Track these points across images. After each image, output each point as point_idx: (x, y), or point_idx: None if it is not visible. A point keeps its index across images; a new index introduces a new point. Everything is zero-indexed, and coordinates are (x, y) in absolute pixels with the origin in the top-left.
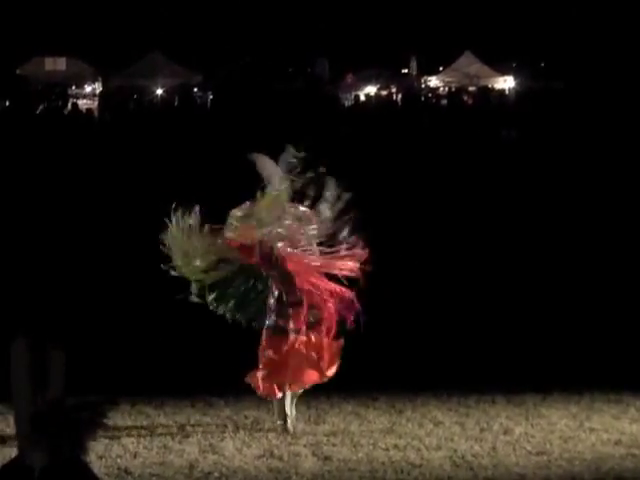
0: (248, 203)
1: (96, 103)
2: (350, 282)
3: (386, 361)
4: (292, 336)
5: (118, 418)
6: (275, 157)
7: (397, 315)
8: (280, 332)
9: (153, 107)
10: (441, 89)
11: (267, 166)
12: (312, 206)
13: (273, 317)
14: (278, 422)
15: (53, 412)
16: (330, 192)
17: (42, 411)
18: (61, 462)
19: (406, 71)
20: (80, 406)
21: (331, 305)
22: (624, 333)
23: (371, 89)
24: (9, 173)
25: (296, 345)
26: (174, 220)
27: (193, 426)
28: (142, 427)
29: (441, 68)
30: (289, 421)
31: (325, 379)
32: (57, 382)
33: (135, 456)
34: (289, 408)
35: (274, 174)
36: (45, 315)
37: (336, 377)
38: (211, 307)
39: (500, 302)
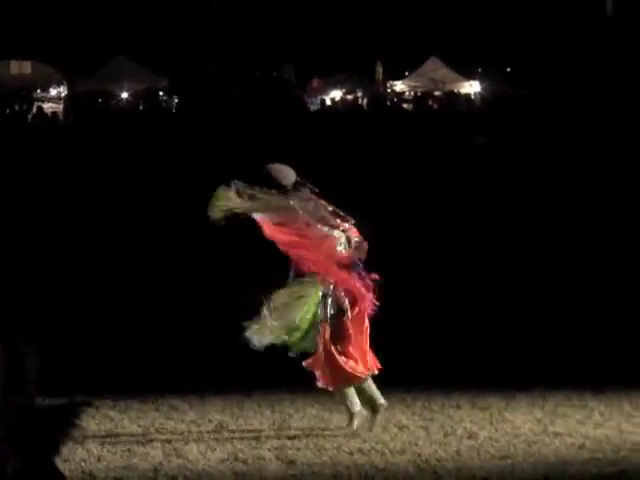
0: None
1: (61, 107)
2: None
3: None
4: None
5: (82, 421)
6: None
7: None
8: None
9: (119, 111)
10: (407, 94)
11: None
12: None
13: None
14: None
15: (25, 414)
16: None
17: (15, 413)
18: (33, 463)
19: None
20: (52, 408)
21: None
22: (589, 339)
23: (337, 93)
24: None
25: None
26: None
27: (157, 430)
28: (106, 431)
29: (407, 73)
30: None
31: None
32: (30, 384)
33: (99, 460)
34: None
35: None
36: (18, 318)
37: (300, 381)
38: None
39: (464, 309)
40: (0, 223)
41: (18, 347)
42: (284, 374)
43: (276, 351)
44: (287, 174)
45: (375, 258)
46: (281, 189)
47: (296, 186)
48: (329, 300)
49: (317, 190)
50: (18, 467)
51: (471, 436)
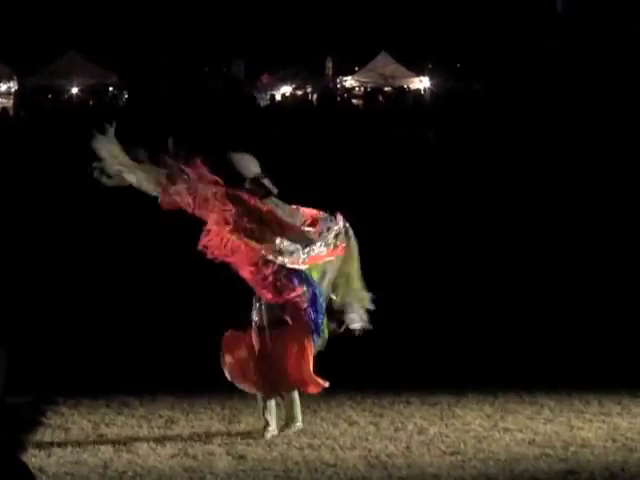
0: None
1: (11, 102)
2: None
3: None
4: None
5: (38, 417)
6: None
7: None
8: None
9: (68, 106)
10: (357, 89)
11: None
12: None
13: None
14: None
15: None
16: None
17: None
18: (2, 460)
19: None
20: (19, 405)
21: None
22: (541, 337)
23: (287, 89)
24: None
25: None
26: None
27: (107, 425)
28: (57, 426)
29: (357, 68)
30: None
31: None
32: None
33: (49, 455)
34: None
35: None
36: None
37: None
38: None
39: (415, 306)
40: None
41: None
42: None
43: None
44: (248, 165)
45: None
46: (240, 180)
47: (256, 180)
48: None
49: (275, 189)
50: None
51: (421, 432)
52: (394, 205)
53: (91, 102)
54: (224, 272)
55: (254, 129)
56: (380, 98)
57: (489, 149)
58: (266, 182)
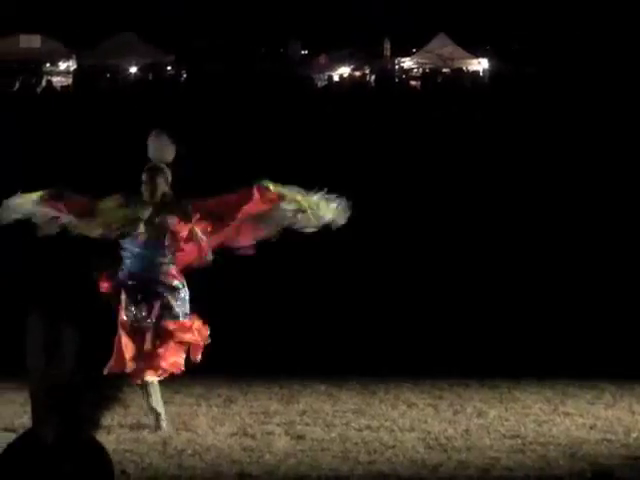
0: None
1: (70, 80)
2: None
3: (358, 343)
4: None
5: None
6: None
7: (373, 299)
8: None
9: (128, 85)
10: (415, 71)
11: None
12: None
13: None
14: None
15: (65, 387)
16: None
17: (54, 386)
18: (72, 436)
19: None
20: (91, 382)
21: None
22: (600, 320)
23: (345, 70)
24: None
25: None
26: None
27: (166, 403)
28: (116, 404)
29: (414, 50)
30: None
31: None
32: (70, 357)
33: (109, 432)
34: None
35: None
36: (59, 291)
37: (309, 358)
38: None
39: (476, 289)
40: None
41: (56, 318)
42: (292, 351)
43: (284, 329)
44: (160, 150)
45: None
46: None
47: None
48: None
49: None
50: (57, 438)
51: (480, 414)
52: (441, 187)
53: (150, 78)
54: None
55: (310, 110)
56: (439, 80)
57: (540, 133)
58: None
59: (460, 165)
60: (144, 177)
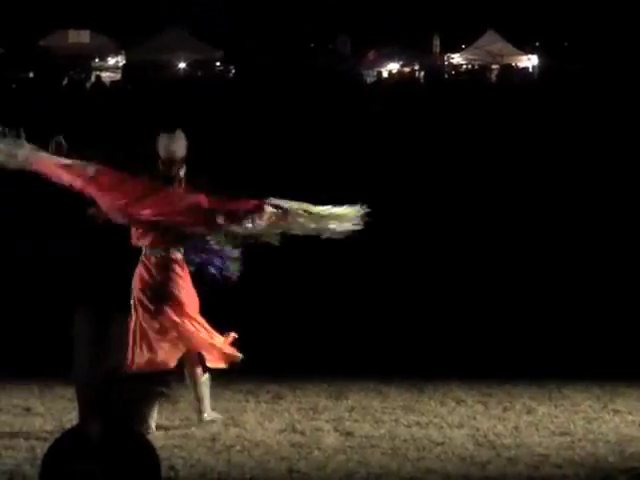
0: None
1: (119, 76)
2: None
3: (407, 340)
4: None
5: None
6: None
7: (418, 296)
8: None
9: (176, 80)
10: (464, 67)
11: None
12: None
13: None
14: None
15: (112, 381)
16: None
17: (101, 381)
18: (119, 431)
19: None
20: (139, 376)
21: None
22: None
23: (394, 66)
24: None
25: None
26: None
27: (215, 399)
28: (165, 399)
29: (463, 46)
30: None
31: None
32: (117, 352)
33: (157, 428)
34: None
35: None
36: (107, 285)
37: (358, 355)
38: None
39: (520, 287)
40: None
41: (103, 314)
42: (340, 348)
43: (334, 326)
44: (168, 145)
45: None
46: (158, 162)
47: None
48: None
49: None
50: (103, 435)
51: (530, 411)
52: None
53: (199, 74)
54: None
55: (359, 106)
56: (489, 76)
57: (590, 130)
58: (175, 168)
59: (513, 162)
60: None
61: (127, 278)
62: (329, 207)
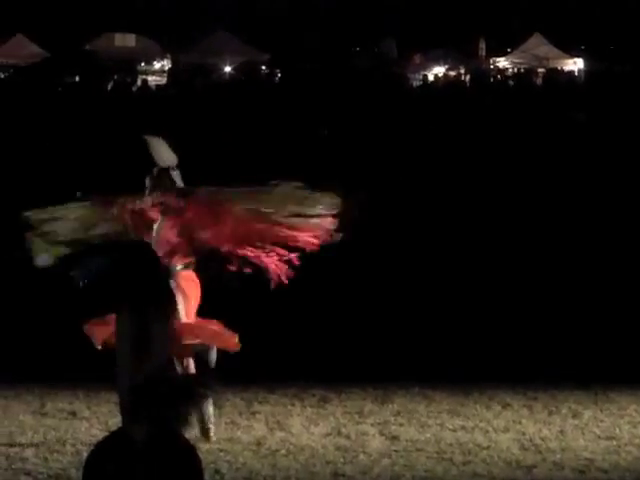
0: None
1: (165, 80)
2: None
3: (453, 344)
4: None
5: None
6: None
7: (458, 300)
8: None
9: (222, 84)
10: (509, 70)
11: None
12: None
13: None
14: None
15: (155, 384)
16: None
17: (144, 383)
18: (163, 435)
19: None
20: (182, 378)
21: None
22: None
23: (439, 70)
24: (86, 148)
25: None
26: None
27: (260, 403)
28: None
29: (509, 49)
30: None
31: None
32: (159, 354)
33: None
34: None
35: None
36: (147, 288)
37: (403, 359)
38: None
39: (563, 288)
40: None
41: (145, 315)
42: (386, 352)
43: (379, 330)
44: (162, 153)
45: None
46: (150, 170)
47: (166, 171)
48: None
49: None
50: (147, 439)
51: (575, 415)
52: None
53: (244, 77)
54: None
55: (405, 109)
56: (535, 80)
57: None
58: (174, 175)
59: (561, 165)
60: (178, 180)
61: (166, 278)
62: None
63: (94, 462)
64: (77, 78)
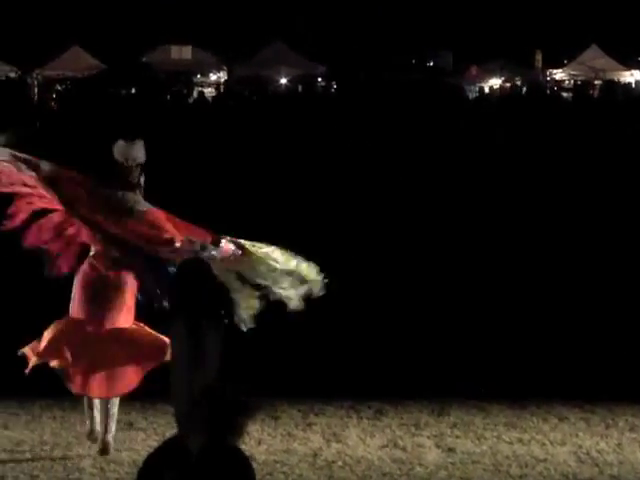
0: None
1: (221, 91)
2: None
3: (508, 357)
4: None
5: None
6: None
7: (513, 314)
8: None
9: (278, 96)
10: (566, 82)
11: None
12: None
13: None
14: None
15: (210, 394)
16: None
17: (200, 393)
18: (219, 445)
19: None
20: (238, 389)
21: None
22: None
23: (496, 81)
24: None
25: None
26: None
27: (317, 414)
28: (267, 414)
29: (565, 61)
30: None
31: None
32: (215, 364)
33: (259, 443)
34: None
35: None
36: (202, 297)
37: (459, 371)
38: None
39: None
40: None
41: (200, 324)
42: (442, 364)
43: (435, 343)
44: (125, 151)
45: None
46: (116, 168)
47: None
48: None
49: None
50: (203, 449)
51: (633, 429)
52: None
53: (300, 90)
54: None
55: (460, 120)
56: (592, 92)
57: None
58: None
59: (623, 178)
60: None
61: (217, 289)
62: (298, 262)
63: (150, 470)
64: (133, 90)
